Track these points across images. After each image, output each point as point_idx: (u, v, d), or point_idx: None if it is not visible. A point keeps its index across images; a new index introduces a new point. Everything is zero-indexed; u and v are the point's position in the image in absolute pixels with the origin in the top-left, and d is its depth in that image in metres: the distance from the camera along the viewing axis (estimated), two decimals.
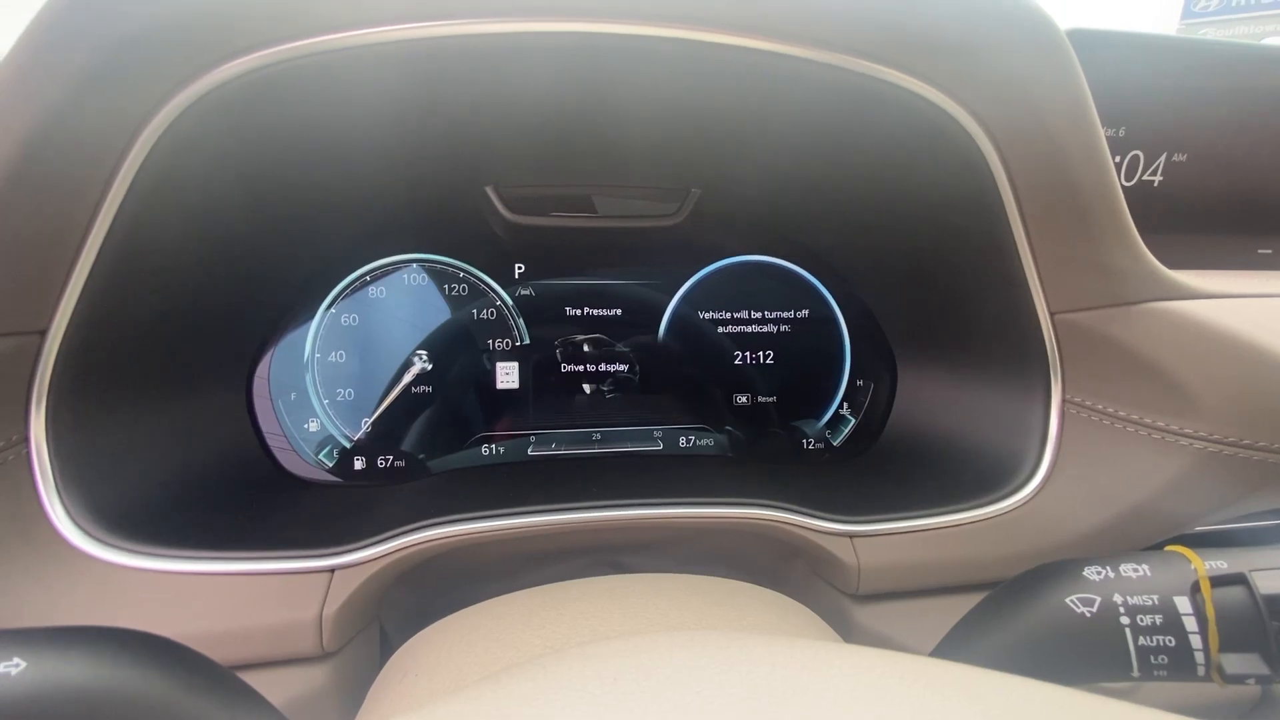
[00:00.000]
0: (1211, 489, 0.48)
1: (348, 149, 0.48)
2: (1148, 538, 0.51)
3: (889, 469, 0.62)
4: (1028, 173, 0.45)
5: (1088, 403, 0.52)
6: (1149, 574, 0.33)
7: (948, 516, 0.53)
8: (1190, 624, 0.31)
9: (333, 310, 0.58)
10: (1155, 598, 0.32)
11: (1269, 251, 0.74)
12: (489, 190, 0.55)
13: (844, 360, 0.66)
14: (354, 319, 0.58)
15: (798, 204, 0.59)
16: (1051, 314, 0.52)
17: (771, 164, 0.54)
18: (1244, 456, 0.46)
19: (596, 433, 0.62)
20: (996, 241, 0.49)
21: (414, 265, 0.59)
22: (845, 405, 0.66)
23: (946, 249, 0.55)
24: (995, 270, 0.51)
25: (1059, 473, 0.53)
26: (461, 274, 0.60)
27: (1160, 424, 0.49)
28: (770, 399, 0.65)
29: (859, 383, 0.66)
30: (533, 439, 0.61)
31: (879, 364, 0.66)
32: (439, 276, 0.60)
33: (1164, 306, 0.49)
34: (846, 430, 0.66)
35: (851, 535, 0.51)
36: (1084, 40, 0.63)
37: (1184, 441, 0.48)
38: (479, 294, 0.60)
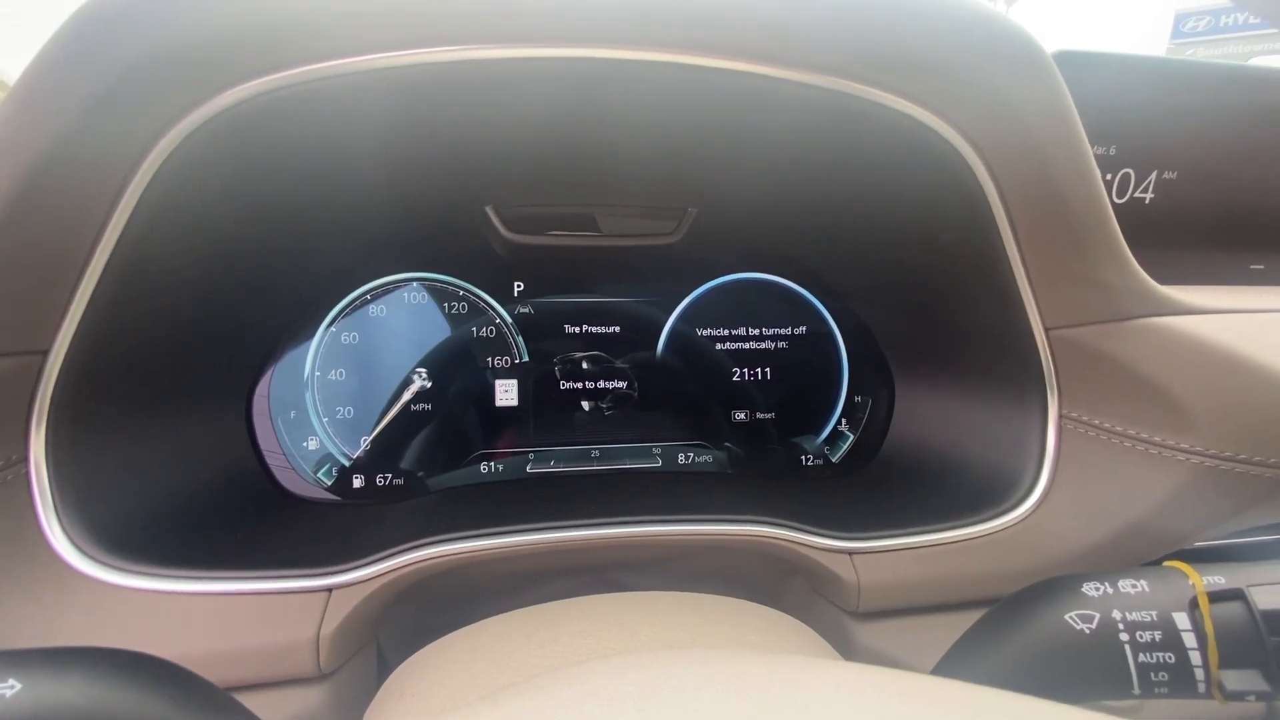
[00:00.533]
0: (1208, 504, 0.48)
1: (349, 171, 0.48)
2: (1147, 553, 0.51)
3: (888, 485, 0.62)
4: (1018, 189, 0.45)
5: (1084, 418, 0.53)
6: (1147, 590, 0.33)
7: (948, 533, 0.53)
8: (1189, 640, 0.31)
9: (333, 329, 0.58)
10: (1154, 614, 0.32)
11: (1261, 267, 0.75)
12: (489, 210, 0.55)
13: (842, 376, 0.66)
14: (354, 337, 0.59)
15: (794, 222, 0.60)
16: (1046, 329, 0.52)
17: (767, 183, 0.54)
18: (1240, 471, 0.46)
19: (595, 450, 0.62)
20: (990, 258, 0.50)
21: (414, 284, 0.60)
22: (844, 421, 0.66)
23: (941, 265, 0.55)
24: (989, 286, 0.52)
25: (1057, 488, 0.53)
26: (461, 292, 0.60)
27: (1156, 439, 0.49)
28: (769, 415, 0.65)
29: (857, 399, 0.66)
30: (531, 456, 0.61)
31: (876, 380, 0.66)
32: (439, 295, 0.60)
33: (1158, 322, 0.49)
34: (845, 446, 0.66)
35: (850, 552, 0.51)
36: (1074, 61, 0.64)
37: (1180, 457, 0.48)
38: (478, 312, 0.61)
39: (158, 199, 0.40)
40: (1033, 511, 0.53)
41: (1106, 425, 0.52)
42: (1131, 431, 0.50)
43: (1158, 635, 0.31)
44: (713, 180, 0.55)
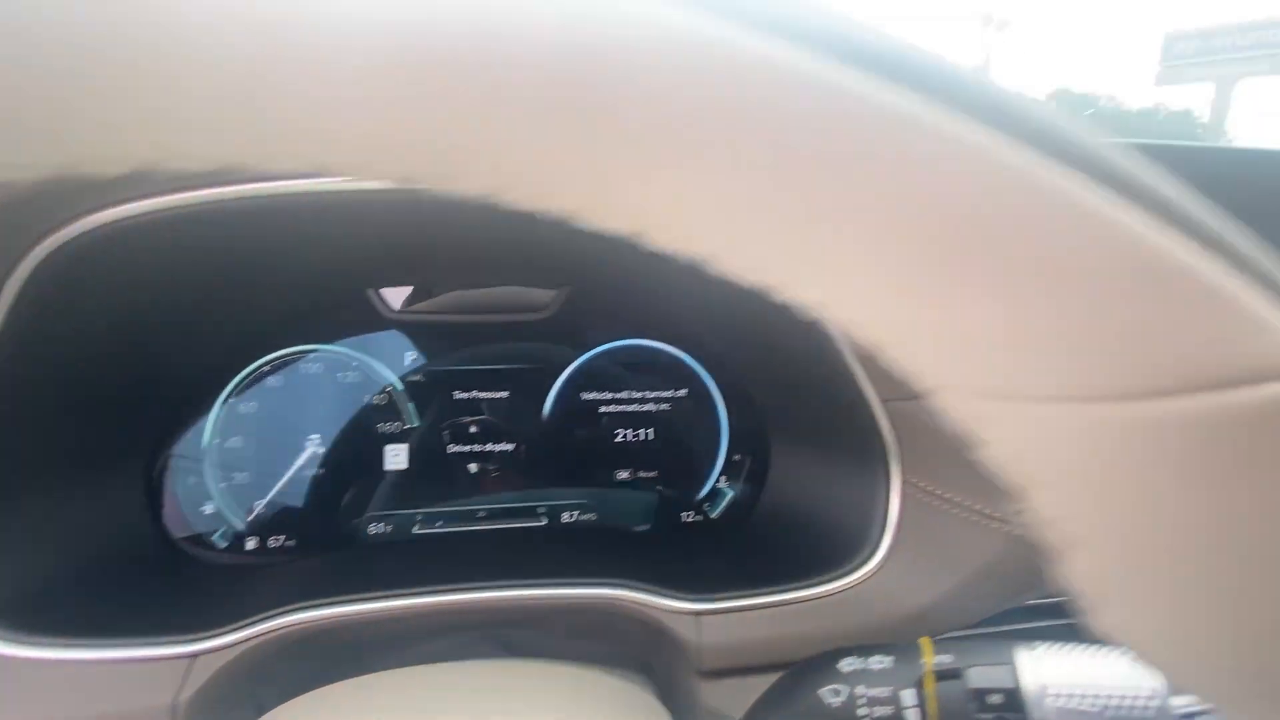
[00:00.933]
0: (1021, 570, 0.52)
1: (236, 271, 0.53)
2: (969, 617, 0.54)
3: (757, 543, 0.65)
4: None
5: (923, 484, 0.56)
6: (890, 666, 0.36)
7: (794, 593, 0.56)
8: (913, 716, 0.34)
9: (232, 399, 0.62)
10: (889, 689, 0.35)
11: None
12: (371, 293, 0.60)
13: (721, 436, 0.70)
14: (252, 407, 0.63)
15: (665, 298, 0.64)
16: (883, 401, 0.56)
17: (629, 268, 0.59)
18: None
19: (481, 510, 0.66)
20: (823, 339, 0.54)
21: (309, 355, 0.64)
22: (723, 479, 0.70)
23: (795, 342, 0.59)
24: (829, 363, 0.55)
25: (897, 551, 0.57)
26: (354, 362, 0.65)
27: (976, 507, 0.53)
28: (651, 474, 0.69)
29: (736, 457, 0.70)
30: (419, 518, 0.65)
31: (754, 440, 0.70)
32: (333, 365, 0.64)
33: None
34: (724, 503, 0.69)
35: (697, 613, 0.54)
36: None
37: (994, 525, 0.52)
38: (370, 380, 0.65)
39: (35, 303, 0.44)
40: (873, 573, 0.56)
41: (939, 492, 0.55)
42: (957, 499, 0.54)
43: (889, 710, 0.35)
44: (581, 266, 0.60)
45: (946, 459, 0.55)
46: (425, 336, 0.65)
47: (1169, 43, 15.71)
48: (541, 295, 0.64)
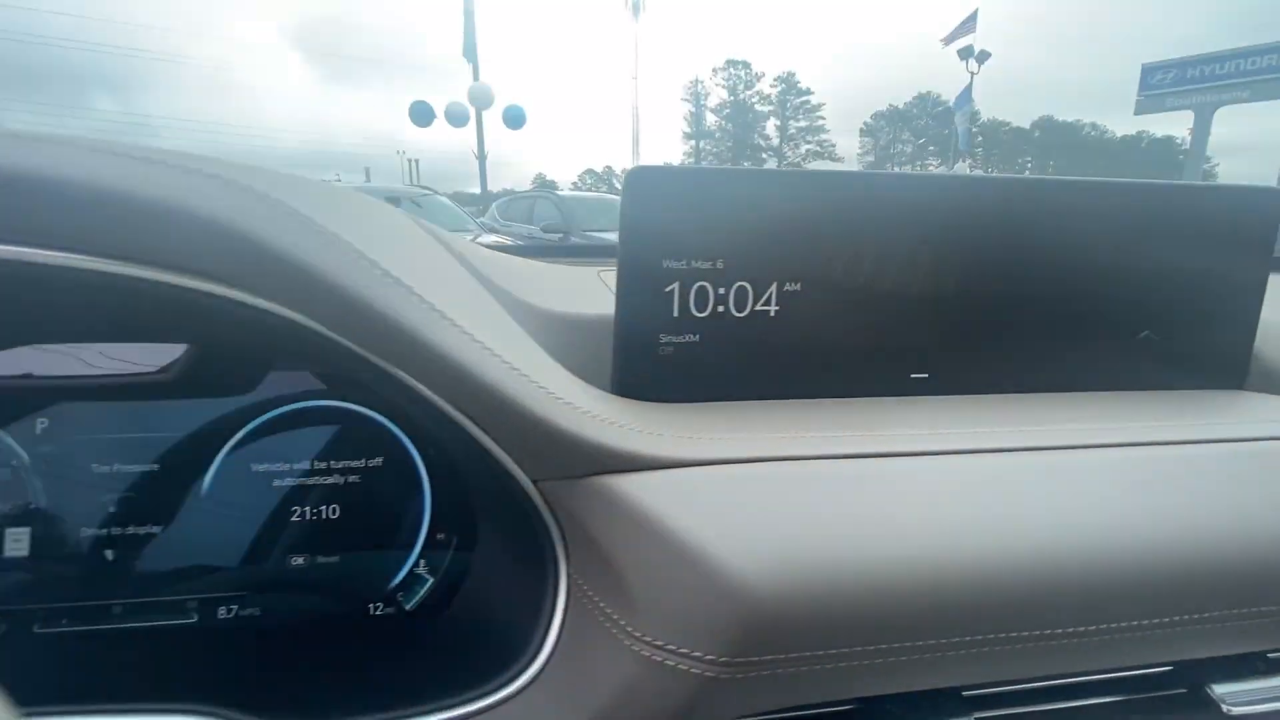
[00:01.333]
0: (654, 699, 0.42)
1: None
2: None
3: (440, 643, 0.55)
4: (405, 364, 0.41)
5: (583, 585, 0.47)
6: None
7: (434, 715, 0.46)
8: None
9: None
10: None
11: (924, 376, 0.70)
12: None
13: (423, 511, 0.60)
14: None
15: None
16: (534, 481, 0.47)
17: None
18: (671, 665, 0.40)
19: (117, 605, 0.56)
20: (448, 420, 0.45)
21: None
22: (422, 563, 0.60)
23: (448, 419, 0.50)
24: (467, 444, 0.46)
25: (555, 662, 0.47)
26: None
27: (615, 616, 0.43)
28: (332, 559, 0.59)
29: (440, 536, 0.60)
30: (40, 614, 0.55)
31: (463, 517, 0.60)
32: None
33: (603, 482, 0.43)
34: (422, 592, 0.59)
35: None
36: (658, 177, 0.61)
37: (627, 641, 0.42)
38: None
39: None
40: (523, 689, 0.46)
41: (591, 595, 0.46)
42: (601, 603, 0.44)
43: None
44: (211, 325, 0.51)
45: (590, 554, 0.45)
46: (53, 398, 0.56)
47: (1146, 72, 15.88)
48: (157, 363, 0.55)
